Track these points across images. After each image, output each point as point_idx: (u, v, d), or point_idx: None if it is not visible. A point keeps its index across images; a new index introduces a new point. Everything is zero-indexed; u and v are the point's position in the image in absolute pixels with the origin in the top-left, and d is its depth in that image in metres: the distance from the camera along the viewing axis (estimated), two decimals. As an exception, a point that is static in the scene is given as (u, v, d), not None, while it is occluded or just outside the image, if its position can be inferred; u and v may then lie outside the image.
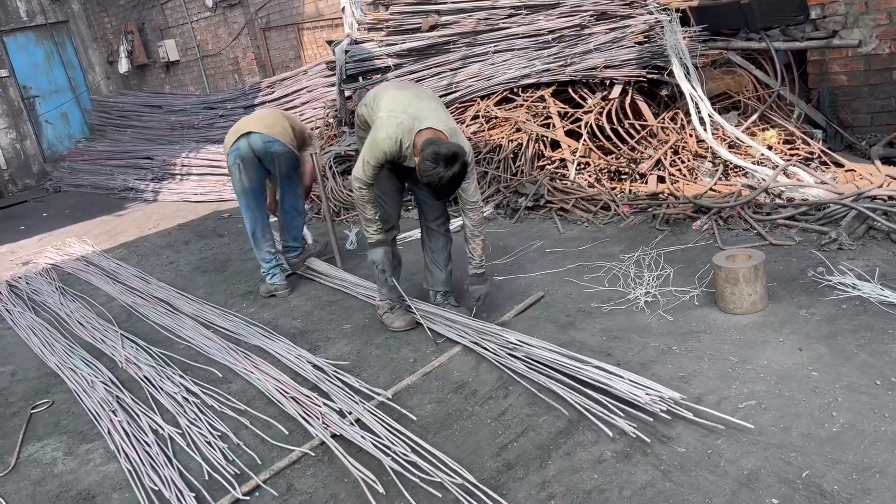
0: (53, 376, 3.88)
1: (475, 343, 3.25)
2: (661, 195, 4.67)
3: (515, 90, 5.81)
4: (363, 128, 3.51)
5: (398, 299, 3.67)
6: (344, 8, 7.59)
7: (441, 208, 3.64)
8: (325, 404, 2.96)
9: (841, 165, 4.54)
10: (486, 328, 3.31)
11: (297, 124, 4.52)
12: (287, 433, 2.89)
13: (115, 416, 3.19)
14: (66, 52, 12.00)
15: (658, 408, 2.48)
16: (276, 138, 4.31)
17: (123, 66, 11.68)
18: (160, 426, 3.06)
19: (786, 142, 4.87)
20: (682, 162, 4.95)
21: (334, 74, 7.14)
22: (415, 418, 2.82)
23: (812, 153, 4.68)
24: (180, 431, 3.00)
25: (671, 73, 5.17)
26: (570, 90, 5.63)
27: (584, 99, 5.55)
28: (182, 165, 8.53)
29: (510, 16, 5.86)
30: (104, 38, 12.18)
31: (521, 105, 5.74)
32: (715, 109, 5.12)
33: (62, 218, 8.44)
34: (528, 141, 5.45)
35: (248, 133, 4.28)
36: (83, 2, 12.07)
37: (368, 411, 2.85)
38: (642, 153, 5.08)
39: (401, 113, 3.20)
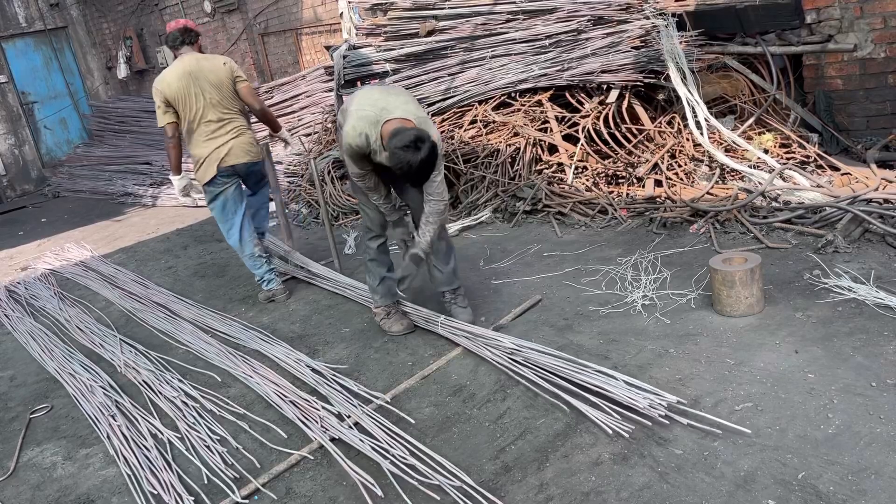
0: (52, 381, 3.89)
1: (473, 344, 3.26)
2: (658, 199, 4.69)
3: (513, 95, 5.83)
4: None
5: (394, 304, 3.70)
6: (342, 13, 7.61)
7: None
8: (323, 408, 2.97)
9: (837, 169, 4.56)
10: (483, 333, 3.32)
11: (245, 102, 4.30)
12: (286, 437, 2.90)
13: (115, 420, 3.19)
14: (64, 57, 12.02)
15: (656, 413, 2.49)
16: (257, 160, 4.37)
17: (122, 71, 11.70)
18: (159, 430, 3.06)
19: (782, 145, 4.89)
20: (679, 166, 4.97)
21: (333, 79, 7.16)
22: (413, 421, 2.83)
23: (808, 157, 4.70)
24: (179, 436, 3.01)
25: (668, 78, 5.20)
26: (567, 95, 5.65)
27: (582, 103, 5.58)
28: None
29: (508, 21, 5.88)
30: (103, 44, 12.20)
31: (519, 109, 5.76)
32: (711, 113, 5.15)
33: (61, 223, 8.45)
34: (525, 145, 5.47)
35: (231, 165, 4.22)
36: (82, 8, 12.09)
37: (367, 415, 2.86)
38: (639, 157, 5.10)
39: (369, 107, 3.16)
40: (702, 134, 4.95)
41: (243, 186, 4.44)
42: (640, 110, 5.44)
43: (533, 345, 3.09)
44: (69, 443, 3.22)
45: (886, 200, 3.92)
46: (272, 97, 8.67)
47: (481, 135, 5.79)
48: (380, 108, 3.14)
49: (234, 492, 2.56)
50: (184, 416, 3.14)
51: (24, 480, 2.99)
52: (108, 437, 3.11)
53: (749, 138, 4.98)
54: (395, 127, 3.05)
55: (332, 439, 2.76)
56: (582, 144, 5.31)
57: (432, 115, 5.96)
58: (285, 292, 4.47)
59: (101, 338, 4.26)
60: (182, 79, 4.08)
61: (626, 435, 2.46)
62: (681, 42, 5.17)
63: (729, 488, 2.17)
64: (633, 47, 5.32)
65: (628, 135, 5.32)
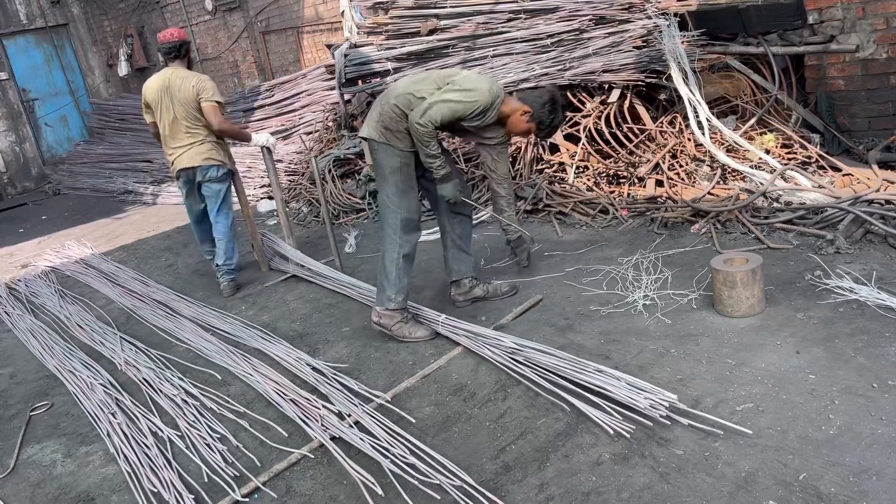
0: (52, 378, 3.88)
1: (473, 343, 3.26)
2: (659, 199, 4.68)
3: (514, 94, 5.83)
4: (400, 118, 3.34)
5: (406, 308, 3.58)
6: (343, 12, 7.60)
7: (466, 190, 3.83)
8: (324, 406, 2.97)
9: (838, 169, 4.56)
10: (483, 332, 3.31)
11: (199, 103, 4.46)
12: (286, 435, 2.89)
13: (115, 418, 3.19)
14: (65, 55, 12.02)
15: (657, 413, 2.49)
16: (206, 164, 4.58)
17: (123, 69, 11.69)
18: (159, 428, 3.06)
19: (783, 146, 4.89)
20: (681, 166, 4.96)
21: (334, 78, 7.16)
22: (414, 421, 2.83)
23: (810, 157, 4.70)
24: (179, 434, 3.01)
25: (669, 78, 5.19)
26: (568, 94, 5.64)
27: (583, 103, 5.57)
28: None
29: (509, 20, 5.87)
30: (104, 42, 12.19)
31: (520, 109, 5.75)
32: (713, 113, 5.14)
33: (61, 221, 8.45)
34: (526, 144, 5.47)
35: (185, 169, 4.59)
36: (83, 5, 12.09)
37: (367, 414, 2.86)
38: (641, 157, 5.10)
39: (492, 82, 3.43)
40: (703, 134, 4.95)
41: (207, 198, 4.74)
42: (641, 110, 5.43)
43: (534, 344, 3.09)
44: (69, 440, 3.22)
45: (888, 201, 3.92)
46: (273, 96, 8.68)
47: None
48: (498, 85, 3.48)
49: (234, 490, 2.56)
50: (184, 414, 3.14)
51: (24, 478, 2.99)
52: (109, 434, 3.10)
53: (750, 139, 4.97)
54: (520, 96, 3.55)
55: (333, 438, 2.75)
56: (583, 144, 5.31)
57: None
58: (232, 292, 4.73)
59: (102, 335, 4.25)
60: (159, 90, 4.51)
61: (628, 435, 2.46)
62: (683, 42, 5.17)
63: (730, 489, 2.16)
64: (634, 47, 5.31)
65: (630, 134, 5.31)
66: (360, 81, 6.93)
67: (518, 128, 3.47)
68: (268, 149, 4.81)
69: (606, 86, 5.43)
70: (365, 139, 3.50)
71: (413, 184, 3.49)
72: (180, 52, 4.52)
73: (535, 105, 3.42)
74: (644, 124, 5.37)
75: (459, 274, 3.77)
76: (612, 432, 2.49)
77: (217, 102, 4.45)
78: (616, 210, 4.69)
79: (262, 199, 7.18)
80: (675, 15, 5.33)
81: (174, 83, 4.46)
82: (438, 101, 3.25)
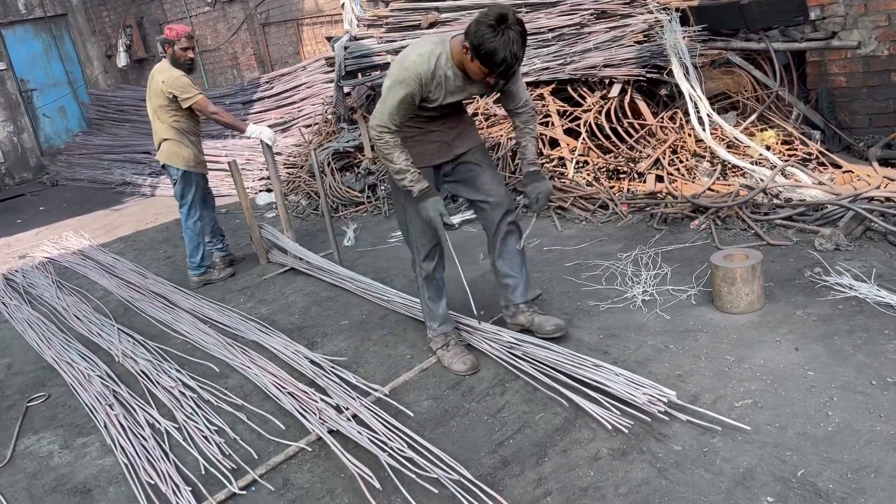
0: (50, 370, 3.88)
1: (473, 338, 3.25)
2: (659, 194, 4.68)
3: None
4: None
5: (454, 331, 3.24)
6: (343, 4, 7.57)
7: (506, 200, 3.08)
8: (322, 400, 2.97)
9: (839, 166, 4.55)
10: (482, 327, 3.30)
11: (165, 94, 4.53)
12: (284, 428, 2.89)
13: (112, 409, 3.19)
14: (64, 45, 11.97)
15: (655, 409, 2.49)
16: (162, 161, 4.71)
17: (122, 60, 11.65)
18: (157, 420, 3.06)
19: (784, 142, 4.88)
20: (681, 161, 4.95)
21: (333, 71, 7.13)
22: (412, 414, 2.83)
23: (810, 154, 4.69)
24: (177, 426, 3.00)
25: (670, 73, 5.17)
26: (569, 88, 5.63)
27: (584, 97, 5.56)
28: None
29: (510, 14, 5.85)
30: (102, 32, 12.14)
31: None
32: (714, 109, 5.13)
33: (59, 212, 8.43)
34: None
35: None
36: (82, -5, 12.04)
37: (365, 407, 2.85)
38: (641, 152, 5.09)
39: (423, 40, 2.79)
40: (704, 130, 4.94)
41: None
42: (642, 105, 5.42)
43: (532, 339, 3.09)
44: (66, 431, 3.21)
45: (888, 199, 3.92)
46: (272, 88, 8.65)
47: (482, 128, 5.77)
48: (440, 38, 2.79)
49: (231, 483, 2.55)
50: (181, 406, 3.14)
51: (20, 469, 2.99)
52: (106, 426, 3.10)
53: (751, 135, 4.96)
54: (464, 31, 2.64)
55: (331, 431, 2.75)
56: (583, 139, 5.30)
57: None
58: (197, 286, 4.85)
59: (99, 327, 4.25)
60: (148, 81, 4.69)
61: (626, 431, 2.45)
62: (684, 37, 5.15)
63: (728, 485, 2.16)
64: (636, 42, 5.29)
65: (630, 130, 5.30)
66: (359, 74, 6.91)
67: (472, 73, 2.70)
68: (267, 144, 4.79)
69: (607, 80, 5.41)
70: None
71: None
72: (164, 48, 4.64)
73: (469, 33, 2.57)
74: (644, 119, 5.36)
75: (508, 300, 3.23)
76: (610, 427, 2.48)
77: (195, 98, 4.50)
78: (616, 205, 4.69)
79: (260, 191, 7.16)
80: (677, 10, 5.31)
81: (153, 77, 4.60)
82: (381, 101, 2.77)
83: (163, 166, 4.77)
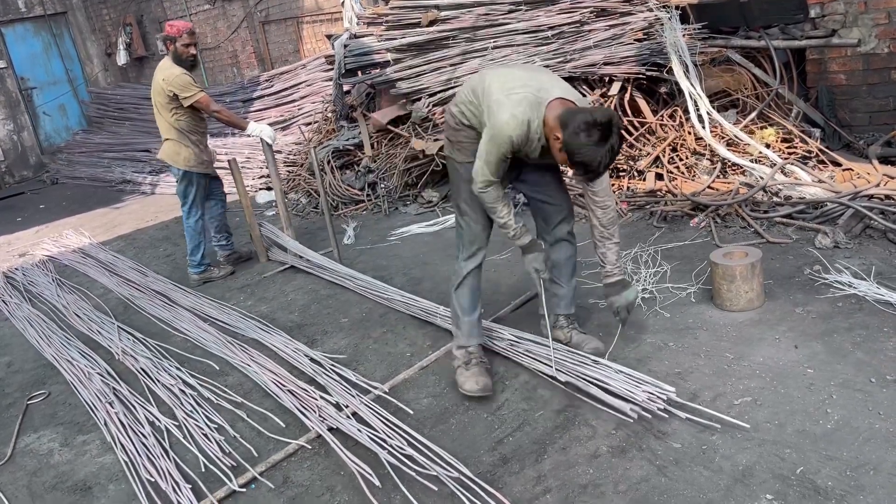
0: (50, 367, 3.88)
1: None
2: (659, 192, 4.68)
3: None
4: (458, 127, 2.81)
5: (478, 347, 3.02)
6: (343, 2, 7.57)
7: (566, 207, 2.97)
8: (321, 397, 2.97)
9: (838, 164, 4.55)
10: (484, 325, 3.30)
11: (167, 93, 4.53)
12: (284, 426, 2.89)
13: (112, 407, 3.19)
14: (64, 43, 11.96)
15: (655, 406, 2.49)
16: (165, 161, 4.74)
17: (122, 58, 11.64)
18: (157, 418, 3.06)
19: (784, 140, 4.88)
20: (681, 159, 4.95)
21: (333, 69, 7.12)
22: (411, 412, 2.83)
23: (810, 152, 4.69)
24: (177, 423, 3.00)
25: (670, 71, 5.17)
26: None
27: (584, 95, 5.54)
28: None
29: (510, 11, 5.84)
30: (102, 30, 12.14)
31: (520, 101, 5.73)
32: (714, 107, 5.13)
33: (59, 210, 8.43)
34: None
35: None
36: (82, -7, 12.03)
37: (365, 405, 2.86)
38: (641, 150, 5.09)
39: (521, 87, 2.58)
40: (704, 128, 4.93)
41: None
42: (641, 103, 5.41)
43: (532, 336, 3.09)
44: (66, 429, 3.21)
45: (888, 196, 3.92)
46: (272, 86, 8.64)
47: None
48: (535, 87, 2.58)
49: (231, 480, 2.56)
50: (181, 403, 3.14)
51: (20, 466, 2.99)
52: (106, 423, 3.10)
53: (751, 132, 4.96)
54: (565, 109, 2.49)
55: (330, 429, 2.75)
56: (583, 137, 5.28)
57: (433, 106, 5.94)
58: (196, 283, 4.87)
59: (99, 325, 4.25)
60: (153, 78, 4.67)
61: (631, 420, 2.46)
62: (684, 35, 5.15)
63: (727, 482, 2.16)
64: (636, 40, 5.29)
65: (630, 128, 5.30)
66: (359, 72, 6.90)
67: (556, 155, 2.57)
68: (267, 143, 4.79)
69: (607, 78, 5.41)
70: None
71: (479, 206, 2.83)
72: (166, 45, 4.66)
73: (567, 128, 2.43)
74: (644, 117, 5.36)
75: (548, 309, 3.00)
76: (613, 418, 2.48)
77: (196, 96, 4.50)
78: (616, 203, 4.68)
79: (260, 189, 7.16)
80: (677, 8, 5.31)
81: (155, 75, 4.61)
82: (480, 156, 2.65)
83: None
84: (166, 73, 4.51)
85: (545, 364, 2.88)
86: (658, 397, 2.52)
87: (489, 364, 3.00)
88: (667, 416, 2.48)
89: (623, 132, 2.46)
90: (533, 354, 2.97)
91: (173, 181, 8.25)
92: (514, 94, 2.56)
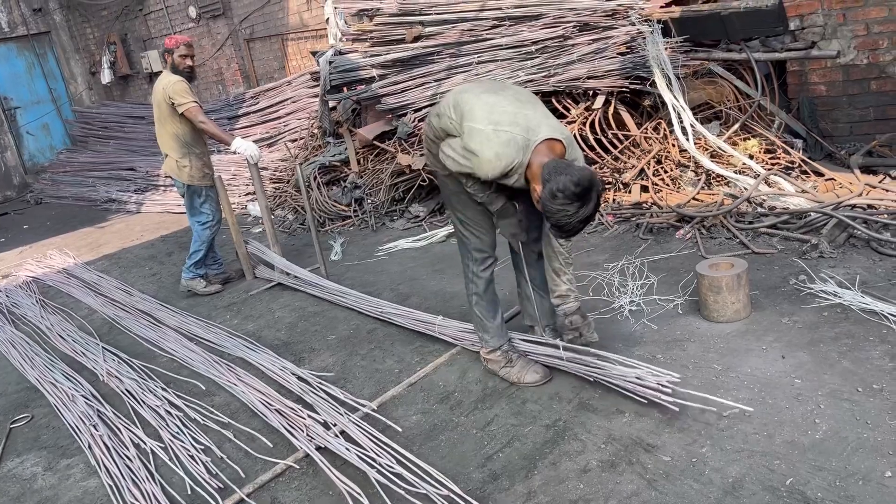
0: (33, 390, 3.82)
1: (470, 343, 3.24)
2: (644, 204, 4.70)
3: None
4: (437, 140, 2.80)
5: (510, 344, 3.07)
6: (328, 19, 7.59)
7: (543, 224, 2.93)
8: (309, 416, 2.94)
9: (821, 174, 4.59)
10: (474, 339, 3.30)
11: (168, 103, 4.55)
12: (271, 446, 2.86)
13: (96, 430, 3.14)
14: (47, 62, 11.91)
15: (668, 400, 2.51)
16: (172, 176, 4.75)
17: (106, 76, 11.60)
18: (142, 440, 3.02)
19: (767, 151, 4.92)
20: (665, 171, 4.98)
21: (319, 85, 7.13)
22: (400, 429, 2.81)
23: (793, 162, 4.73)
24: (163, 445, 2.97)
25: (654, 84, 5.21)
26: (553, 100, 5.65)
27: (568, 109, 5.58)
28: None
29: (494, 27, 5.88)
30: (86, 49, 12.10)
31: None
32: (697, 119, 5.17)
33: (43, 230, 8.35)
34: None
35: None
36: (65, 13, 11.99)
37: (353, 423, 2.83)
38: (625, 163, 5.11)
39: (509, 125, 2.52)
40: (687, 139, 4.97)
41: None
42: (626, 116, 5.45)
43: (524, 335, 3.12)
44: (50, 453, 3.16)
45: (870, 206, 3.96)
46: (258, 103, 8.64)
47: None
48: (523, 126, 2.53)
49: (218, 502, 2.52)
50: (167, 425, 3.10)
51: (3, 492, 2.94)
52: (90, 447, 3.05)
53: (734, 144, 5.00)
54: (550, 160, 2.47)
55: (318, 448, 2.73)
56: (568, 150, 5.31)
57: (419, 121, 5.95)
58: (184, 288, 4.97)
59: (84, 346, 4.20)
60: (153, 91, 4.73)
61: (670, 391, 2.51)
62: (666, 48, 5.19)
63: (717, 495, 2.16)
64: (619, 53, 5.33)
65: (614, 140, 5.33)
66: (344, 88, 6.91)
67: (536, 204, 2.56)
68: (252, 162, 4.77)
69: (591, 92, 5.45)
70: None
71: (475, 212, 2.87)
72: (164, 58, 4.73)
73: (546, 185, 2.41)
74: (629, 130, 5.39)
75: (534, 320, 3.18)
76: (645, 402, 2.54)
77: (187, 105, 4.50)
78: (601, 216, 4.70)
79: (248, 203, 7.13)
80: (659, 22, 5.36)
81: (156, 87, 4.66)
82: (454, 154, 2.66)
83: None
84: (165, 81, 4.57)
85: (549, 357, 2.88)
86: (663, 389, 2.54)
87: (526, 352, 3.06)
88: (677, 408, 2.50)
89: (601, 192, 2.46)
90: (531, 354, 2.96)
91: (159, 199, 8.29)
92: (501, 131, 2.51)
